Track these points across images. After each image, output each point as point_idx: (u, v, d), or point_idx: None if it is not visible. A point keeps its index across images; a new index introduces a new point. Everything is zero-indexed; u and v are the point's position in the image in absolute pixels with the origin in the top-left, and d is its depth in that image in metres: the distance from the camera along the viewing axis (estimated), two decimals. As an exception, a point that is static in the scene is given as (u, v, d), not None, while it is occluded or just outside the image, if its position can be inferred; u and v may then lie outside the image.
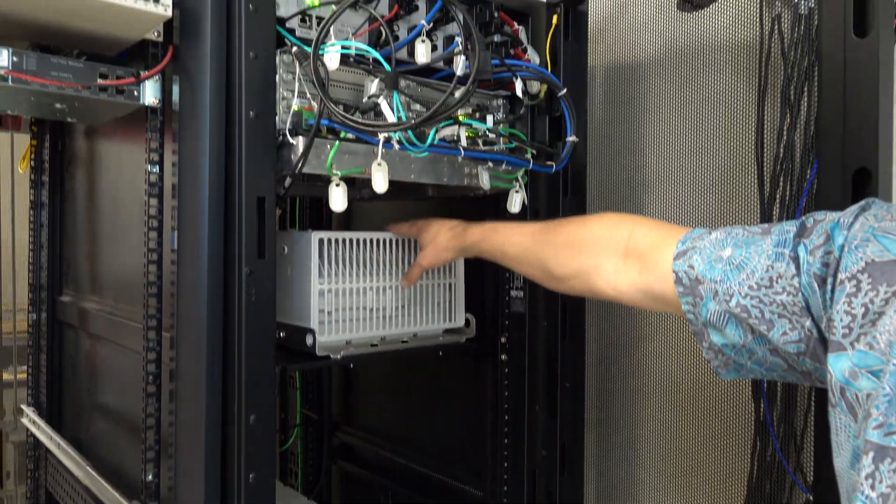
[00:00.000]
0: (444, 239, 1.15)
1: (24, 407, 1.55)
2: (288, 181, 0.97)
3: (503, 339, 1.32)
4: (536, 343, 1.28)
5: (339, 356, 1.10)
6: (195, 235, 0.94)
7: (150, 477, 0.99)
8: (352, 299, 1.16)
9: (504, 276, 1.33)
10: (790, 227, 0.70)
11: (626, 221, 0.89)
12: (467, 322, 1.31)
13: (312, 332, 1.09)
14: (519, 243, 1.02)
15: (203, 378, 0.94)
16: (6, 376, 2.24)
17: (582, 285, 0.92)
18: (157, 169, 0.99)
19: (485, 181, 1.14)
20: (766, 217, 1.05)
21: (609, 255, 0.87)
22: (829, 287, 0.63)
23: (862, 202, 0.66)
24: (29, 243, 1.55)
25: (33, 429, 1.49)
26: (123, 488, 1.12)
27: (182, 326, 0.97)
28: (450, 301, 1.29)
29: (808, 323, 0.65)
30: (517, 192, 1.20)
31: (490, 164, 1.14)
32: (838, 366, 0.59)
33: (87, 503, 1.26)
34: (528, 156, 1.17)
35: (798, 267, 0.66)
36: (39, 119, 1.49)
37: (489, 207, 1.34)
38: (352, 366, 1.68)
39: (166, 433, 1.01)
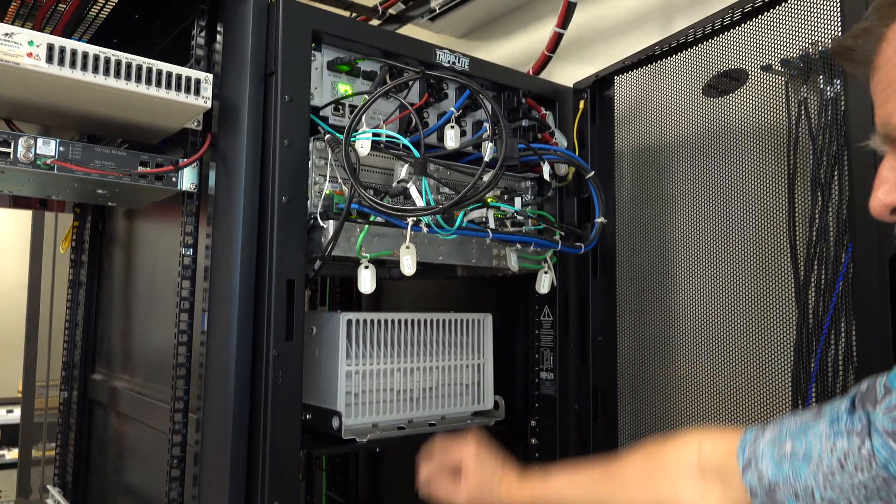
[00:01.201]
0: (494, 489, 0.99)
1: (49, 487, 1.54)
2: (318, 264, 0.99)
3: (533, 423, 1.29)
4: (568, 426, 1.25)
5: (365, 440, 1.09)
6: (225, 318, 0.95)
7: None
8: (379, 381, 1.15)
9: (534, 358, 1.31)
10: (840, 402, 0.68)
11: (691, 439, 0.83)
12: (496, 404, 1.28)
13: (339, 414, 1.08)
14: (581, 495, 0.92)
15: (227, 463, 0.93)
16: (35, 453, 2.24)
17: None
18: (190, 252, 1.01)
19: (513, 263, 1.14)
20: (801, 302, 1.02)
21: (686, 480, 0.81)
22: None
23: None
24: (65, 322, 1.58)
25: (57, 510, 1.47)
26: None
27: (208, 409, 0.97)
28: (478, 382, 1.27)
29: None
30: (546, 273, 1.20)
31: (518, 245, 1.14)
32: None
33: (107, 591, 1.23)
34: (557, 237, 1.17)
35: (865, 434, 0.63)
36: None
37: (518, 287, 1.34)
38: (378, 449, 1.65)
39: (189, 519, 0.99)
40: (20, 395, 2.38)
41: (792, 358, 1.10)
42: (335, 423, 1.08)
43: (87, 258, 1.56)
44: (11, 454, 2.36)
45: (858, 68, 0.59)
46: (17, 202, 1.55)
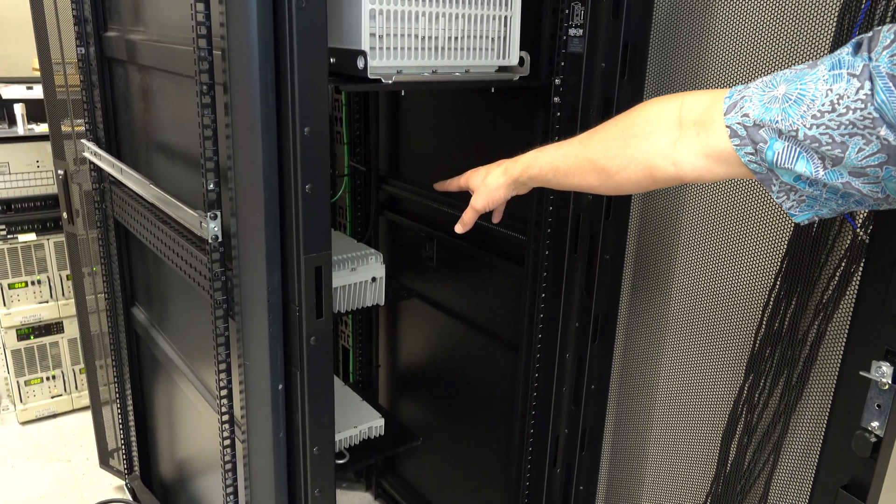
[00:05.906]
0: (493, 179, 1.08)
1: (84, 141, 1.59)
2: None
3: (557, 81, 1.27)
4: (593, 84, 1.24)
5: (391, 80, 1.08)
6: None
7: (210, 186, 1.03)
8: (404, 24, 1.10)
9: (563, 14, 1.24)
10: (841, 49, 0.66)
11: (675, 96, 0.81)
12: (521, 60, 1.26)
13: (364, 53, 1.06)
14: (568, 154, 0.94)
15: (256, 88, 0.94)
16: (65, 128, 2.29)
17: (639, 170, 0.83)
18: None
19: None
20: None
21: (663, 131, 0.80)
22: None
23: None
24: (69, -27, 1.50)
25: (95, 160, 1.54)
26: (186, 203, 1.18)
27: (232, 36, 0.95)
28: (505, 37, 1.22)
29: (882, 132, 0.62)
30: None
31: None
32: None
33: (152, 222, 1.34)
34: None
35: (866, 77, 0.62)
36: None
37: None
38: (402, 93, 1.67)
39: (224, 146, 1.03)
40: (37, 72, 2.37)
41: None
42: (360, 62, 1.06)
43: None
44: (41, 128, 2.42)
45: None
46: None
